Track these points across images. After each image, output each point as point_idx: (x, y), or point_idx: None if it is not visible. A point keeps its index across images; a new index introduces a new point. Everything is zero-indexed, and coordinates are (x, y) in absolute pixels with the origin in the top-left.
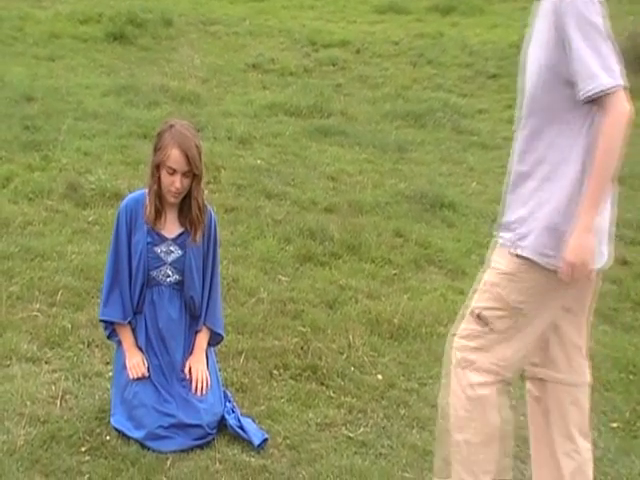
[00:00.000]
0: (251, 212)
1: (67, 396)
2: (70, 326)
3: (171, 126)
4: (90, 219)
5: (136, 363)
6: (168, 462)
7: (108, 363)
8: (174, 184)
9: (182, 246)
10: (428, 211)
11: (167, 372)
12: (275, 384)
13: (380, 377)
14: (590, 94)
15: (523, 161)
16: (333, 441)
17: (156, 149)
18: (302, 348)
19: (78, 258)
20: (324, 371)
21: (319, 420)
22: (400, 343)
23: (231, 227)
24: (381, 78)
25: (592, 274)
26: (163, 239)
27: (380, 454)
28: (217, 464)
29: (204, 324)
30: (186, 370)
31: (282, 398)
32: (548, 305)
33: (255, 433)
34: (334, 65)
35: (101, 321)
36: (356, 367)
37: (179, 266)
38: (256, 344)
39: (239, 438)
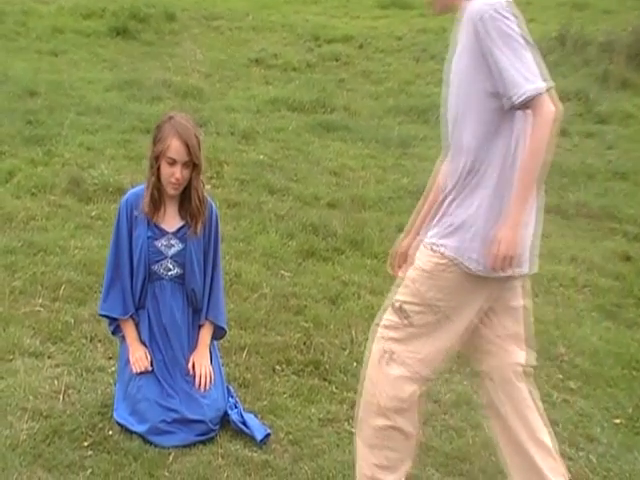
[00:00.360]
0: (254, 207)
1: (70, 391)
2: (73, 321)
3: (170, 118)
4: (93, 214)
5: (139, 357)
6: (170, 457)
7: (111, 358)
8: (174, 175)
9: (183, 239)
10: None
11: (171, 366)
12: (277, 379)
13: None
14: (516, 102)
15: (452, 167)
16: (335, 436)
17: (155, 141)
18: (305, 343)
19: (81, 253)
20: (326, 366)
21: (322, 415)
22: None
23: (234, 222)
24: (384, 73)
25: (516, 272)
26: (163, 233)
27: None
28: (220, 459)
29: (206, 318)
30: (189, 366)
31: (284, 393)
32: (466, 305)
33: (258, 428)
34: (337, 60)
35: (101, 316)
36: (359, 362)
37: (180, 259)
38: (259, 339)
39: (242, 433)
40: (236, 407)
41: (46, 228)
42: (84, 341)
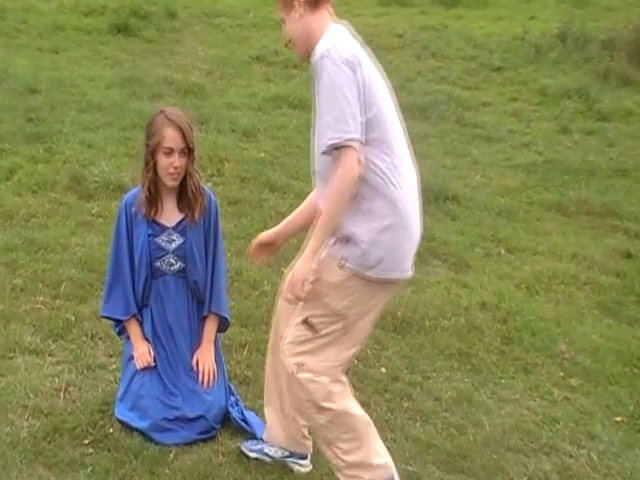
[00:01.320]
0: (255, 205)
1: (70, 388)
2: (74, 318)
3: (161, 111)
4: (94, 211)
5: (142, 352)
6: (171, 455)
7: (112, 355)
8: (172, 164)
9: (183, 233)
10: (432, 204)
11: (174, 363)
12: None
13: (384, 370)
14: (324, 148)
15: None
16: None
17: (149, 136)
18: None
19: (82, 250)
20: None
21: None
22: (404, 336)
23: (235, 220)
24: (385, 70)
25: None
26: (163, 228)
27: None
28: (220, 457)
29: (210, 310)
30: (194, 362)
31: None
32: (370, 310)
33: (258, 426)
34: None
35: (103, 317)
36: (359, 360)
37: (181, 253)
38: (260, 337)
39: (242, 431)
40: (237, 405)
41: (47, 225)
42: (85, 339)
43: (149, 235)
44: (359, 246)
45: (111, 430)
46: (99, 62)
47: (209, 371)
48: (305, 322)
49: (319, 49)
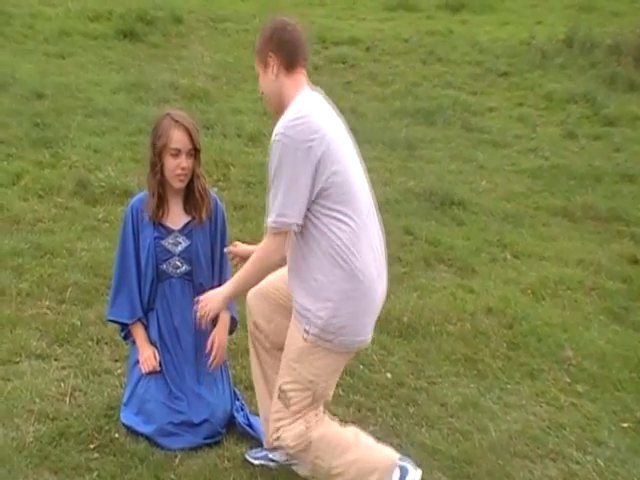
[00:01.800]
0: (260, 209)
1: (76, 393)
2: (79, 323)
3: (167, 114)
4: (100, 216)
5: (148, 357)
6: (177, 460)
7: (117, 360)
8: (180, 165)
9: (189, 236)
10: (438, 209)
11: (179, 366)
12: None
13: (389, 375)
14: (267, 227)
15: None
16: None
17: (156, 138)
18: None
19: (87, 255)
20: None
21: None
22: (409, 341)
23: (240, 224)
24: (391, 75)
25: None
26: (169, 231)
27: None
28: (226, 462)
29: None
30: (209, 343)
31: None
32: (336, 374)
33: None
34: (344, 62)
35: (109, 321)
36: (365, 365)
37: (187, 256)
38: None
39: (248, 436)
40: (242, 410)
41: (53, 230)
42: (90, 343)
43: (155, 238)
44: (320, 318)
45: (117, 435)
46: (105, 67)
47: (221, 355)
48: (280, 391)
49: (281, 121)
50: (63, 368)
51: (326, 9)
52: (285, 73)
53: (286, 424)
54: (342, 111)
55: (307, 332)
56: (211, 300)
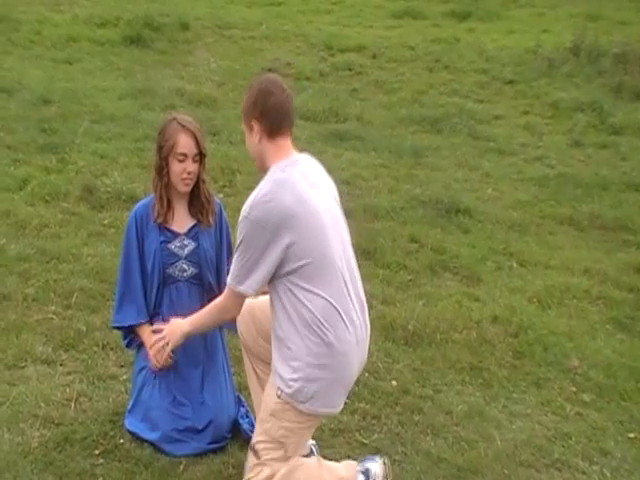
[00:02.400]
0: None
1: (81, 398)
2: (85, 328)
3: (173, 118)
4: (106, 222)
5: (156, 350)
6: (181, 466)
7: (122, 366)
8: (186, 169)
9: (195, 238)
10: (443, 217)
11: (184, 371)
12: None
13: (394, 383)
14: (226, 284)
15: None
16: (347, 447)
17: (162, 143)
18: None
19: (93, 261)
20: None
21: (333, 426)
22: (415, 349)
23: None
24: (397, 83)
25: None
26: (175, 235)
27: (394, 461)
28: (230, 468)
29: None
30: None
31: None
32: (306, 435)
33: None
34: (350, 70)
35: (114, 328)
36: (370, 373)
37: (194, 258)
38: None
39: None
40: (247, 417)
41: (59, 236)
42: (96, 349)
43: (161, 242)
44: (290, 386)
45: (122, 441)
46: (112, 73)
47: (172, 332)
48: (252, 448)
49: (252, 198)
50: (68, 373)
51: (332, 16)
52: (268, 139)
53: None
54: (348, 118)
55: (281, 391)
56: (172, 334)
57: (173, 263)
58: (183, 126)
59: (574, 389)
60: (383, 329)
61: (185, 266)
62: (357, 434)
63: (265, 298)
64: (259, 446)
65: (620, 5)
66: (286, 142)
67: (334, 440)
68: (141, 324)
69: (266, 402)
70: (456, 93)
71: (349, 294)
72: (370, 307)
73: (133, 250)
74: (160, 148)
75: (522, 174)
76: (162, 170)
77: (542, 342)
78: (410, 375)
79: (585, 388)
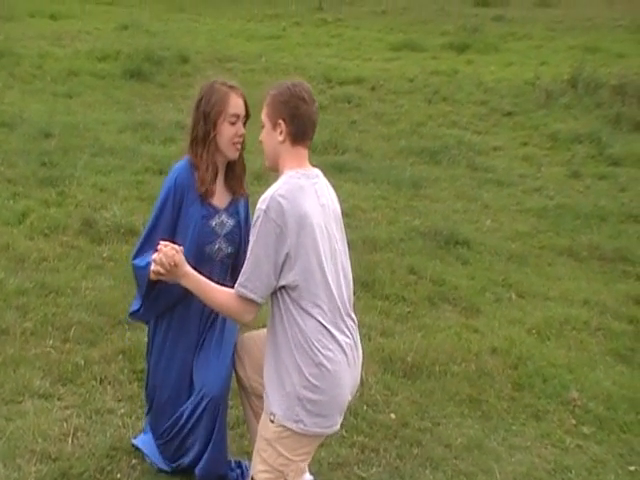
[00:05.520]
0: None
1: (79, 433)
2: (83, 362)
3: (214, 82)
4: (105, 255)
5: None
6: None
7: (120, 400)
8: (238, 133)
9: (233, 215)
10: (442, 248)
11: (203, 349)
12: None
13: (393, 416)
14: (235, 288)
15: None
16: None
17: (209, 107)
18: None
19: (92, 294)
20: None
21: (331, 459)
22: (414, 382)
23: None
24: (396, 115)
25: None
26: (216, 210)
27: None
28: None
29: None
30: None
31: None
32: (304, 457)
33: None
34: (349, 102)
35: (133, 266)
36: (369, 406)
37: (232, 237)
38: None
39: None
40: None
41: (58, 269)
42: (94, 383)
43: (203, 217)
44: (286, 402)
45: (119, 475)
46: (112, 106)
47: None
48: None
49: (269, 191)
50: (66, 408)
51: (332, 49)
52: (291, 144)
53: None
54: (347, 150)
55: (274, 415)
56: (174, 274)
57: (211, 241)
58: (231, 87)
59: (574, 421)
60: (382, 361)
61: (223, 245)
62: (356, 468)
63: (258, 332)
64: (260, 476)
65: (617, 37)
66: (305, 152)
67: (332, 474)
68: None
69: (262, 431)
70: (455, 124)
71: (342, 317)
72: (368, 339)
73: (165, 221)
74: (206, 115)
75: (521, 205)
76: (208, 137)
77: (541, 374)
78: (409, 408)
79: (585, 420)
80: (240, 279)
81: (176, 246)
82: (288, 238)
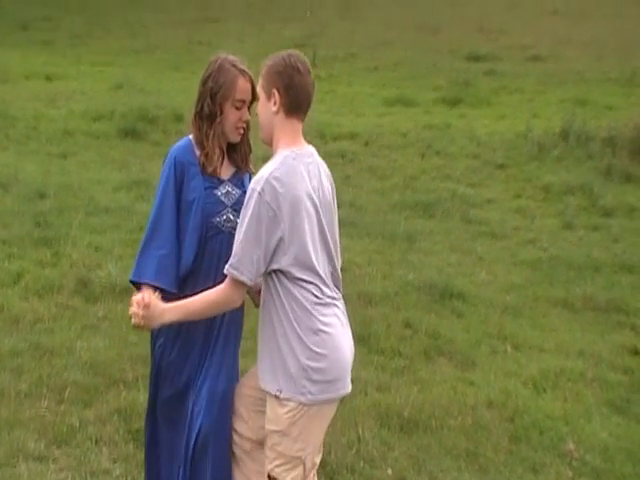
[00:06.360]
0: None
1: None
2: (78, 423)
3: (224, 59)
4: (100, 314)
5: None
6: None
7: (116, 461)
8: (242, 118)
9: (239, 186)
10: (437, 301)
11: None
12: None
13: (390, 472)
14: (226, 269)
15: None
16: None
17: (216, 87)
18: None
19: (87, 354)
20: (333, 466)
21: None
22: (410, 436)
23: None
24: (390, 169)
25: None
26: (220, 181)
27: None
28: None
29: None
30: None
31: None
32: (320, 439)
33: None
34: (343, 157)
35: (132, 282)
36: (366, 461)
37: (240, 207)
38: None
39: None
40: None
41: (53, 329)
42: (89, 444)
43: (206, 188)
44: (290, 376)
45: None
46: (107, 165)
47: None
48: (270, 476)
49: (264, 172)
50: (61, 470)
51: (325, 105)
52: (285, 115)
53: None
54: (341, 204)
55: (279, 391)
56: (151, 317)
57: (219, 212)
58: (241, 70)
59: (571, 474)
60: (378, 416)
61: (231, 215)
62: None
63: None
64: (277, 470)
65: (607, 90)
66: (299, 126)
67: None
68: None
69: (272, 426)
70: (448, 178)
71: (330, 291)
72: (365, 394)
73: (170, 202)
74: (214, 94)
75: (515, 257)
76: (215, 118)
77: (538, 426)
78: (406, 462)
79: (582, 472)
80: (231, 260)
81: (146, 293)
82: (282, 222)
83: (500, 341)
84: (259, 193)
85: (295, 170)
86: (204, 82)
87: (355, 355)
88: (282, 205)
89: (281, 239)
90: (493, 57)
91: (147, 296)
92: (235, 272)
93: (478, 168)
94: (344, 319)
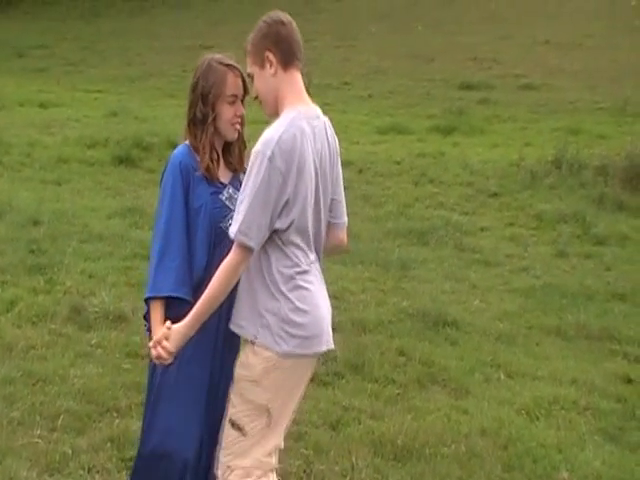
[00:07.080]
0: None
1: None
2: (71, 452)
3: (211, 59)
4: (93, 342)
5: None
6: None
7: None
8: (237, 112)
9: (238, 187)
10: (431, 329)
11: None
12: None
13: None
14: (231, 235)
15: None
16: None
17: (206, 89)
18: (305, 471)
19: (80, 382)
20: None
21: None
22: (404, 464)
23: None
24: (383, 197)
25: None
26: (223, 185)
27: None
28: None
29: None
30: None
31: None
32: (292, 397)
33: None
34: None
35: (146, 300)
36: None
37: None
38: None
39: None
40: None
41: (46, 357)
42: (82, 472)
43: (212, 193)
44: (267, 325)
45: None
46: (101, 193)
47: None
48: (232, 423)
49: (271, 132)
50: None
51: None
52: (283, 70)
53: (239, 451)
54: None
55: (255, 337)
56: (176, 342)
57: (225, 216)
58: (228, 65)
59: None
60: (372, 444)
61: None
62: None
63: None
64: (239, 415)
65: (599, 120)
66: (298, 76)
67: None
68: (160, 300)
69: (244, 371)
70: (442, 206)
71: (313, 253)
72: (358, 422)
73: (179, 208)
74: (205, 96)
75: (508, 285)
76: (207, 119)
77: (531, 454)
78: None
79: None
80: (239, 226)
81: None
82: (289, 186)
83: (494, 369)
84: (269, 159)
85: (303, 132)
86: (194, 88)
87: (348, 382)
88: (291, 169)
89: (286, 202)
90: (486, 86)
91: (162, 332)
92: (244, 238)
93: (471, 196)
94: (320, 277)
